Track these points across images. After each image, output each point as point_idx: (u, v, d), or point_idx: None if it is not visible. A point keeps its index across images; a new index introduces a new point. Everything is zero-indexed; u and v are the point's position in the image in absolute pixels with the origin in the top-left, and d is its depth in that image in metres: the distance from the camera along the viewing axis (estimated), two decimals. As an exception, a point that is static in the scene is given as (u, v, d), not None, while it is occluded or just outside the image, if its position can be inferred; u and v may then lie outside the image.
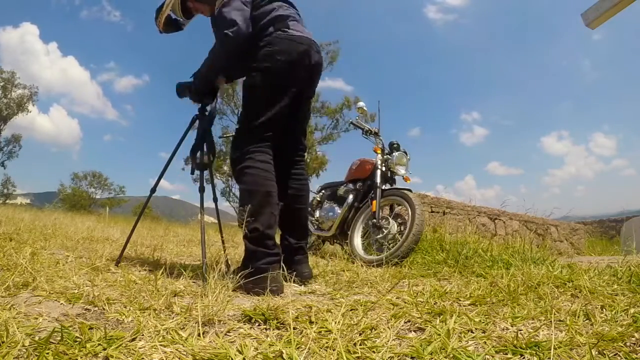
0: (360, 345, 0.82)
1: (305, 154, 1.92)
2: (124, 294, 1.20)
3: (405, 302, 1.22)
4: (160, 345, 0.78)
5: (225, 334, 0.89)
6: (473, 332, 0.91)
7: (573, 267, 1.92)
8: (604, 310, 1.11)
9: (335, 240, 3.37)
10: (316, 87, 1.86)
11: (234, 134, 1.73)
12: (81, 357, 0.70)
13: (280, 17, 1.65)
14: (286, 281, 1.65)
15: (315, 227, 3.44)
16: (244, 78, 1.70)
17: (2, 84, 28.27)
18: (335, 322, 0.94)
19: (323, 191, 3.67)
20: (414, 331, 0.96)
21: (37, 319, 0.90)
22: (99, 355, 0.72)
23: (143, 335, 0.83)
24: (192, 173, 1.82)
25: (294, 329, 0.91)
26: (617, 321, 0.99)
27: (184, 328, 0.90)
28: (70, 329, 0.82)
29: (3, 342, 0.72)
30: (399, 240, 2.53)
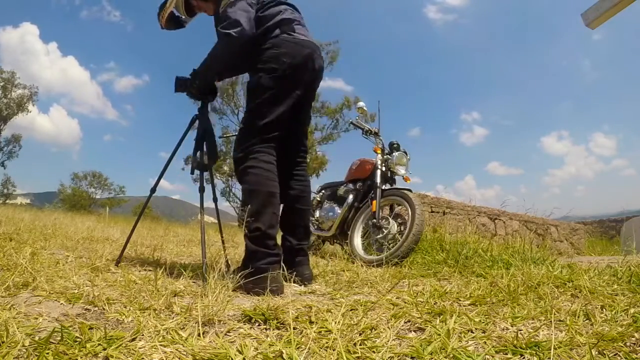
0: (360, 345, 0.82)
1: (307, 155, 1.93)
2: (124, 294, 1.20)
3: (405, 302, 1.22)
4: (160, 345, 0.78)
5: (225, 334, 0.89)
6: (473, 332, 0.91)
7: (573, 267, 1.92)
8: (604, 310, 1.11)
9: (335, 240, 3.37)
10: (316, 90, 1.89)
11: (234, 134, 1.73)
12: (81, 357, 0.70)
13: (286, 20, 1.67)
14: (286, 281, 1.65)
15: (315, 227, 3.44)
16: (248, 79, 1.71)
17: (2, 84, 28.28)
18: (335, 322, 0.94)
19: (323, 191, 3.68)
20: (414, 331, 0.96)
21: (37, 319, 0.90)
22: (99, 355, 0.72)
23: (143, 335, 0.83)
24: (192, 173, 1.82)
25: (294, 329, 0.91)
26: (617, 321, 0.99)
27: (184, 328, 0.90)
28: (70, 329, 0.82)
29: (3, 342, 0.72)
30: (399, 240, 2.53)
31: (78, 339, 0.77)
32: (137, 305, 1.06)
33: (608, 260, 2.19)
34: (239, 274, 1.36)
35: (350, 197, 3.17)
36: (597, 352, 0.78)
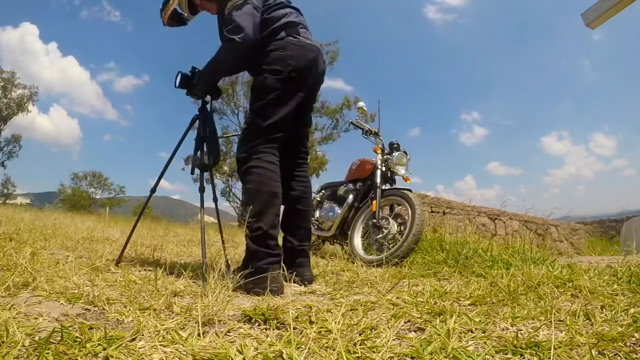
0: (360, 345, 0.82)
1: (308, 157, 1.95)
2: (124, 294, 1.20)
3: (405, 302, 1.22)
4: (160, 345, 0.78)
5: (225, 334, 0.89)
6: (473, 332, 0.91)
7: (573, 267, 1.92)
8: (604, 310, 1.11)
9: (335, 240, 3.37)
10: (318, 93, 1.93)
11: (234, 133, 1.74)
12: (81, 357, 0.70)
13: (291, 24, 1.69)
14: (286, 281, 1.65)
15: (315, 227, 3.44)
16: (248, 78, 1.72)
17: (2, 84, 28.28)
18: (335, 322, 0.94)
19: (323, 191, 3.68)
20: (414, 331, 0.96)
21: (37, 319, 0.90)
22: (99, 355, 0.72)
23: (143, 335, 0.83)
24: (192, 173, 1.82)
25: (294, 329, 0.91)
26: (617, 321, 0.99)
27: (184, 328, 0.90)
28: (70, 329, 0.82)
29: (3, 342, 0.72)
30: (399, 240, 2.53)
31: (78, 339, 0.77)
32: (137, 305, 1.06)
33: (608, 260, 2.19)
34: (239, 274, 1.37)
35: (350, 197, 3.17)
36: (597, 352, 0.78)
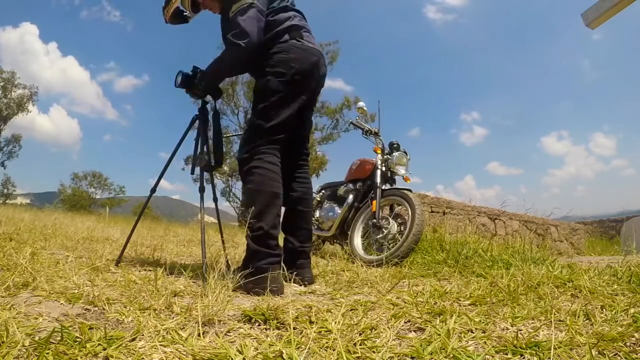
0: (360, 345, 0.82)
1: (308, 158, 1.96)
2: (124, 294, 1.20)
3: (405, 302, 1.22)
4: (160, 345, 0.78)
5: (225, 334, 0.89)
6: (473, 332, 0.91)
7: (573, 267, 1.92)
8: (604, 310, 1.11)
9: (335, 240, 3.37)
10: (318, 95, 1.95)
11: (234, 133, 1.75)
12: (81, 357, 0.70)
13: (295, 27, 1.70)
14: (287, 281, 1.65)
15: (315, 227, 3.44)
16: (256, 82, 1.72)
17: (2, 84, 28.28)
18: (335, 322, 0.94)
19: (323, 191, 3.67)
20: (414, 331, 0.96)
21: (37, 319, 0.90)
22: (99, 355, 0.72)
23: (143, 335, 0.83)
24: (192, 173, 1.82)
25: (294, 329, 0.91)
26: (617, 321, 0.99)
27: (184, 328, 0.90)
28: (70, 329, 0.82)
29: (3, 342, 0.72)
30: (399, 240, 2.53)
31: (78, 339, 0.77)
32: (137, 305, 1.06)
33: (608, 260, 2.19)
34: (239, 274, 1.37)
35: (350, 197, 3.17)
36: (597, 352, 0.78)
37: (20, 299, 1.05)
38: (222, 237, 2.16)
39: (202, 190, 1.69)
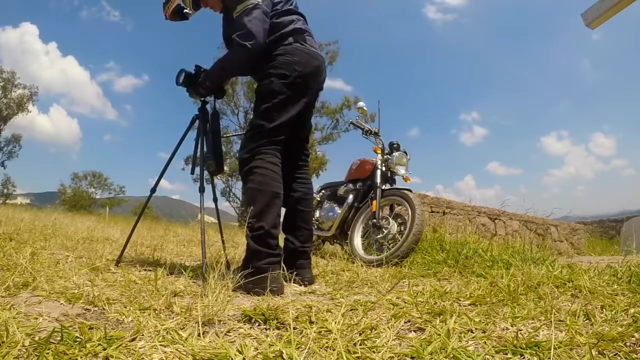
0: (360, 345, 0.82)
1: (308, 159, 1.97)
2: (124, 294, 1.20)
3: (405, 302, 1.22)
4: (160, 345, 0.78)
5: (225, 334, 0.89)
6: (473, 332, 0.91)
7: (573, 267, 1.92)
8: (604, 310, 1.11)
9: (335, 240, 3.37)
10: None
11: (234, 133, 1.75)
12: (81, 357, 0.70)
13: (299, 30, 1.72)
14: (287, 281, 1.65)
15: (315, 227, 3.44)
16: (258, 83, 1.73)
17: (2, 84, 28.29)
18: (335, 322, 0.94)
19: (323, 191, 3.67)
20: (414, 331, 0.96)
21: (37, 319, 0.90)
22: (99, 355, 0.72)
23: (143, 335, 0.83)
24: (192, 173, 1.82)
25: (294, 329, 0.91)
26: (617, 321, 0.99)
27: (184, 328, 0.90)
28: (70, 329, 0.82)
29: (3, 342, 0.72)
30: (399, 240, 2.53)
31: (78, 339, 0.77)
32: (137, 305, 1.06)
33: (608, 260, 2.19)
34: (239, 274, 1.37)
35: (350, 197, 3.17)
36: (597, 352, 0.78)
37: (20, 299, 1.05)
38: (222, 237, 2.16)
39: (202, 190, 1.69)
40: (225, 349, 0.77)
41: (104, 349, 0.73)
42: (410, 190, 2.78)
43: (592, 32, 1.96)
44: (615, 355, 0.78)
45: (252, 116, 1.73)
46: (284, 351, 0.77)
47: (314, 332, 0.88)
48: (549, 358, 0.76)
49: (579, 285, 1.39)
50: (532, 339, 0.84)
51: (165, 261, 2.03)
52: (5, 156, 29.59)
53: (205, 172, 1.77)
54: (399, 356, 0.78)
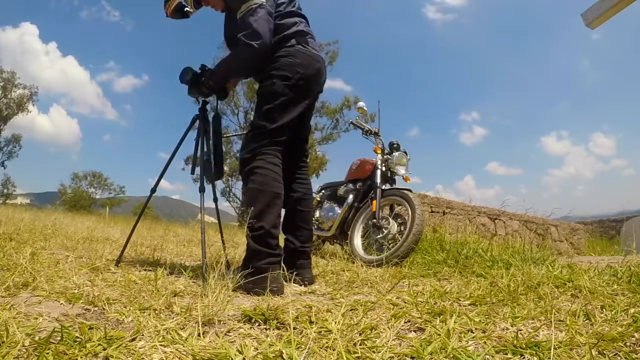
0: (360, 345, 0.82)
1: (307, 159, 1.98)
2: (124, 294, 1.20)
3: (405, 302, 1.22)
4: (160, 345, 0.78)
5: (225, 334, 0.89)
6: (473, 332, 0.91)
7: (573, 267, 1.92)
8: (604, 310, 1.11)
9: (335, 240, 3.37)
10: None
11: (234, 133, 1.75)
12: (81, 357, 0.70)
13: (302, 32, 1.72)
14: (287, 281, 1.65)
15: (315, 227, 3.44)
16: (260, 84, 1.73)
17: (2, 84, 28.30)
18: (335, 322, 0.94)
19: (323, 191, 3.67)
20: (414, 331, 0.96)
21: (37, 319, 0.90)
22: (99, 355, 0.72)
23: (143, 335, 0.83)
24: (192, 173, 1.82)
25: (294, 329, 0.91)
26: (617, 321, 0.99)
27: (184, 328, 0.90)
28: (70, 329, 0.82)
29: (3, 342, 0.72)
30: (399, 240, 2.53)
31: (78, 339, 0.77)
32: (137, 305, 1.06)
33: (608, 260, 2.19)
34: (239, 274, 1.37)
35: (350, 197, 3.17)
36: (597, 352, 0.78)
37: (20, 299, 1.05)
38: (222, 237, 2.16)
39: (202, 190, 1.69)
40: (225, 349, 0.77)
41: (104, 349, 0.73)
42: (410, 190, 2.78)
43: (592, 32, 1.96)
44: (615, 355, 0.78)
45: (253, 116, 1.74)
46: (284, 351, 0.77)
47: (314, 332, 0.88)
48: (549, 358, 0.76)
49: (579, 285, 1.39)
50: (532, 339, 0.84)
51: (165, 261, 2.03)
52: (5, 156, 29.63)
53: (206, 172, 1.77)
54: (399, 356, 0.78)
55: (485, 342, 0.85)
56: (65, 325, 0.83)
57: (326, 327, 0.92)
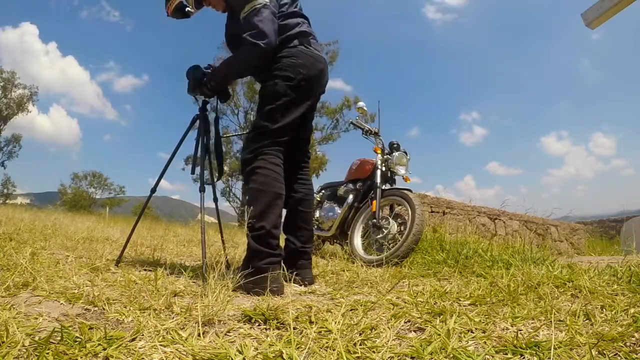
0: (360, 345, 0.82)
1: (309, 160, 1.98)
2: (124, 294, 1.20)
3: (405, 302, 1.22)
4: (160, 345, 0.78)
5: (225, 334, 0.89)
6: (473, 332, 0.91)
7: (573, 267, 1.92)
8: (604, 310, 1.11)
9: (335, 240, 3.37)
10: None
11: (234, 133, 1.75)
12: (81, 357, 0.70)
13: (304, 33, 1.72)
14: (287, 281, 1.65)
15: (315, 227, 3.44)
16: (262, 84, 1.73)
17: (2, 84, 28.31)
18: (335, 322, 0.94)
19: (323, 191, 3.67)
20: (414, 331, 0.96)
21: (37, 319, 0.90)
22: (99, 355, 0.72)
23: (143, 335, 0.83)
24: (193, 172, 1.82)
25: (294, 329, 0.91)
26: (617, 321, 0.99)
27: (184, 328, 0.90)
28: (70, 329, 0.82)
29: (3, 342, 0.72)
30: (399, 240, 2.53)
31: (78, 339, 0.77)
32: (137, 305, 1.06)
33: (608, 260, 2.19)
34: (239, 274, 1.37)
35: (350, 197, 3.17)
36: (597, 352, 0.78)
37: (20, 299, 1.05)
38: (222, 237, 2.16)
39: (202, 190, 1.69)
40: (225, 349, 0.77)
41: (104, 349, 0.73)
42: (410, 190, 2.78)
43: (592, 32, 1.96)
44: (615, 355, 0.78)
45: (254, 117, 1.74)
46: (284, 351, 0.77)
47: (314, 332, 0.88)
48: (549, 358, 0.76)
49: (579, 285, 1.39)
50: (532, 339, 0.84)
51: (165, 261, 2.03)
52: (5, 156, 29.64)
53: (206, 172, 1.77)
54: (399, 356, 0.78)
55: (485, 342, 0.85)
56: (65, 325, 0.83)
57: (326, 327, 0.92)
